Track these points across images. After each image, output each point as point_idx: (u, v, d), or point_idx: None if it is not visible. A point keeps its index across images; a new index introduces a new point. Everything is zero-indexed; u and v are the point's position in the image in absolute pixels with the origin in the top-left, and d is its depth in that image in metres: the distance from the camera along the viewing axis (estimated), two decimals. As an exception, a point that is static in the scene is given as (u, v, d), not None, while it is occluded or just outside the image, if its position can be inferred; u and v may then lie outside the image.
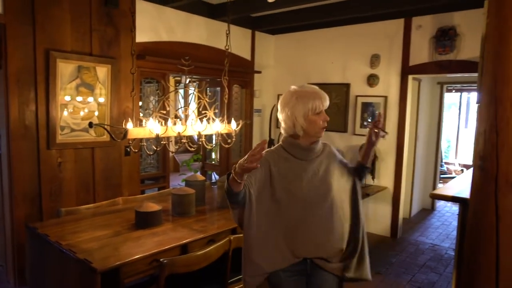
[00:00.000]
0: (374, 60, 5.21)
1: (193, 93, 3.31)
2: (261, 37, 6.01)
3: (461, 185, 2.77)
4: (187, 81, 6.01)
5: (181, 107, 3.09)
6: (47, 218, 3.46)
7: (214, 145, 3.35)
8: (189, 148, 3.08)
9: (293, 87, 1.88)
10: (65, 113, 3.66)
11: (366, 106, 5.29)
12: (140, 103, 4.56)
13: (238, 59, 5.52)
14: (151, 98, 4.68)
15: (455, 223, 5.76)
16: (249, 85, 5.86)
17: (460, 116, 9.89)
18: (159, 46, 4.50)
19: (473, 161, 0.94)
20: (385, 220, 5.23)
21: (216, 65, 4.81)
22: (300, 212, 1.81)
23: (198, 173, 5.63)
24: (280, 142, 1.94)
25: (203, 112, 3.20)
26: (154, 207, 2.73)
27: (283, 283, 1.85)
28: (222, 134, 3.17)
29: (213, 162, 6.37)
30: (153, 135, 2.69)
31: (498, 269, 0.89)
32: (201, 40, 5.03)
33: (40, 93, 3.50)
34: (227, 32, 3.44)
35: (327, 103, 1.85)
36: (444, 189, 2.90)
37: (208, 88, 6.21)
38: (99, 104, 3.91)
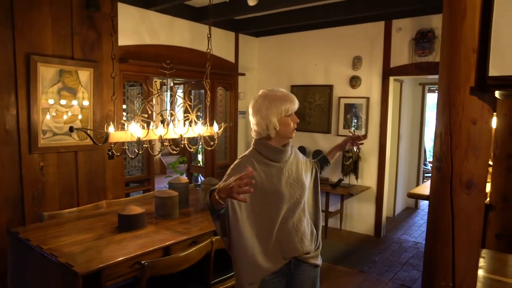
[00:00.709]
0: (356, 62, 5.30)
1: (177, 96, 3.34)
2: (245, 40, 6.06)
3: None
4: (172, 84, 6.02)
5: (165, 110, 3.11)
6: (29, 223, 3.44)
7: (198, 147, 3.36)
8: (171, 151, 3.10)
9: (262, 91, 1.92)
10: (48, 117, 3.64)
11: (349, 107, 5.37)
12: (124, 106, 4.56)
13: (222, 61, 5.56)
14: (135, 101, 4.68)
15: (437, 221, 5.84)
16: (233, 87, 5.89)
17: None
18: (142, 50, 4.50)
19: (432, 162, 0.99)
20: (369, 219, 5.31)
21: (200, 68, 4.83)
22: (285, 213, 1.87)
23: (184, 176, 5.64)
24: (253, 146, 1.96)
25: (185, 115, 3.23)
26: (137, 210, 2.74)
27: (268, 287, 1.88)
28: (204, 137, 3.19)
29: (199, 164, 6.38)
30: (135, 139, 2.71)
31: (454, 265, 0.94)
32: (185, 43, 5.04)
33: (21, 97, 3.47)
34: (209, 35, 3.47)
35: (296, 105, 1.90)
36: (422, 188, 2.97)
37: (193, 91, 6.24)
38: (82, 107, 3.90)
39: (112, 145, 2.83)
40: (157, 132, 2.82)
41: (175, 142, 3.04)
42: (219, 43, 5.44)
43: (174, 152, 2.98)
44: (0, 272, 3.44)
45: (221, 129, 3.26)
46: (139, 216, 2.73)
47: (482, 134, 0.92)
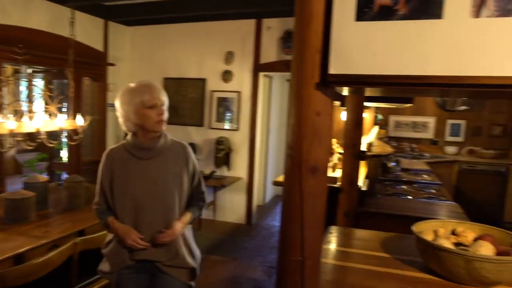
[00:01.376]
0: (229, 56, 5.44)
1: (34, 85, 2.99)
2: (116, 28, 5.70)
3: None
4: (30, 72, 5.33)
5: (18, 100, 2.76)
6: None
7: (60, 143, 3.07)
8: (27, 147, 2.77)
9: (130, 84, 1.87)
10: None
11: (221, 100, 5.50)
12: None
13: (88, 49, 5.14)
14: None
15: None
16: (102, 78, 5.50)
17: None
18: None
19: (285, 151, 1.10)
20: (240, 208, 5.54)
21: (63, 55, 4.38)
22: (138, 212, 1.82)
23: (44, 175, 5.08)
24: (126, 138, 1.92)
25: (46, 106, 2.92)
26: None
27: (124, 282, 1.89)
28: (68, 131, 2.94)
29: (62, 161, 5.81)
30: (-23, 133, 2.35)
31: (303, 241, 1.07)
32: (43, 26, 4.50)
33: None
34: (71, 19, 3.19)
35: (160, 97, 1.82)
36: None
37: (54, 81, 5.63)
38: None
39: None
40: (7, 125, 2.49)
41: (31, 136, 2.73)
42: (85, 29, 5.01)
43: (30, 147, 2.68)
44: None
45: (86, 122, 3.04)
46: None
47: (325, 125, 1.05)
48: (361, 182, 2.90)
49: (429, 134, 6.64)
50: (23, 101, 2.78)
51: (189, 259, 1.93)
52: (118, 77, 5.79)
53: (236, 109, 5.44)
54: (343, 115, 2.61)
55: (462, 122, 6.45)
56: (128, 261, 1.85)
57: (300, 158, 1.04)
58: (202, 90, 5.59)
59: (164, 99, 1.85)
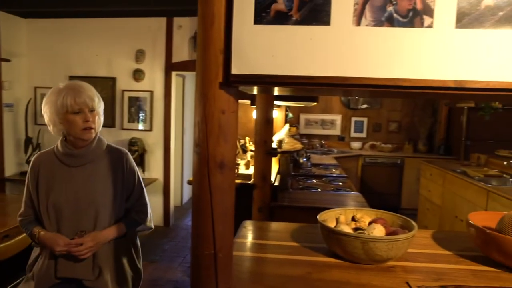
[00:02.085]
0: (139, 55, 5.28)
1: None
2: (8, 19, 5.17)
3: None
4: None
5: None
6: None
7: None
8: None
9: (60, 83, 1.72)
10: None
11: (133, 100, 5.32)
12: None
13: (-25, 43, 4.62)
14: None
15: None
16: (-6, 75, 4.98)
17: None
18: None
19: (193, 148, 1.12)
20: (157, 210, 5.42)
21: None
22: (61, 224, 1.68)
23: None
24: (57, 143, 1.77)
25: None
26: None
27: None
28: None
29: None
30: None
31: (214, 234, 1.11)
32: None
33: None
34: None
35: (88, 101, 1.66)
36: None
37: None
38: None
39: None
40: None
41: None
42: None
43: None
44: None
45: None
46: None
47: (230, 122, 1.10)
48: (274, 178, 3.04)
49: (336, 131, 7.13)
50: None
51: (112, 285, 1.72)
52: (14, 74, 5.29)
53: (148, 109, 5.30)
54: (254, 114, 2.70)
55: (364, 120, 7.04)
56: (54, 279, 1.68)
57: (207, 155, 1.07)
58: (112, 90, 5.34)
59: (94, 103, 1.69)
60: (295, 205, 2.80)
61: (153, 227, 1.96)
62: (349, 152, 6.63)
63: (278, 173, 3.30)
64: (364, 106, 7.01)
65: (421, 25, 1.04)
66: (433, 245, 1.66)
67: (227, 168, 1.10)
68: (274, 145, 2.88)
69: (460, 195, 4.16)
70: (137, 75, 5.30)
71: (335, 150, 6.70)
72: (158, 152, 5.34)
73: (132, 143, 5.11)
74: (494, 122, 5.35)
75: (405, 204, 6.24)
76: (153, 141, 5.31)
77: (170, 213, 5.45)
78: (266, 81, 1.08)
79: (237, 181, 3.17)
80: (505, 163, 4.15)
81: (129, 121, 5.35)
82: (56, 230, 1.67)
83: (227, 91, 1.10)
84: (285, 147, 3.14)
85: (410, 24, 1.05)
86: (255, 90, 1.46)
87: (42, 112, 1.71)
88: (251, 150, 3.90)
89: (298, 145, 3.49)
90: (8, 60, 5.10)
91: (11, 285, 2.43)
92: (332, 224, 1.55)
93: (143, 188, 1.90)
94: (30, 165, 1.76)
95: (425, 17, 1.03)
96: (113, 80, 5.36)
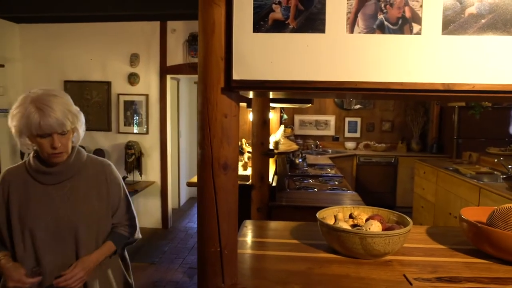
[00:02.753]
0: (134, 59, 5.32)
1: None
2: (1, 25, 5.18)
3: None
4: None
5: None
6: None
7: None
8: None
9: (31, 91, 1.49)
10: None
11: (128, 104, 5.36)
12: None
13: (-31, 49, 4.63)
14: None
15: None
16: (-11, 81, 4.99)
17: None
18: None
19: (197, 151, 1.18)
20: (155, 213, 5.46)
21: None
22: (38, 250, 1.50)
23: None
24: (29, 157, 1.57)
25: None
26: None
27: None
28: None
29: None
30: None
31: (219, 232, 1.16)
32: None
33: None
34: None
35: (54, 125, 1.42)
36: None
37: None
38: None
39: None
40: None
41: None
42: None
43: None
44: None
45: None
46: None
47: (232, 125, 1.16)
48: (271, 178, 3.10)
49: (330, 131, 7.21)
50: None
51: None
52: (8, 80, 5.30)
53: (144, 113, 5.34)
54: (250, 116, 2.76)
55: (358, 120, 7.12)
56: None
57: (211, 157, 1.13)
58: (107, 94, 5.37)
59: (65, 126, 1.46)
60: (293, 205, 2.86)
61: (140, 237, 1.78)
62: (343, 152, 6.71)
63: (275, 173, 3.36)
64: (358, 106, 7.10)
65: (410, 32, 1.10)
66: (427, 240, 1.73)
67: (230, 169, 1.16)
68: (271, 146, 2.94)
69: (453, 192, 4.25)
70: (132, 79, 5.34)
71: (329, 150, 6.78)
72: (154, 155, 5.38)
73: (129, 146, 5.15)
74: (485, 120, 5.48)
75: (400, 202, 6.34)
76: (150, 144, 5.35)
77: (168, 216, 5.48)
78: (266, 86, 1.14)
79: (235, 182, 3.22)
80: (496, 160, 4.25)
81: (125, 125, 5.38)
82: (34, 259, 1.50)
83: (229, 95, 1.16)
84: (282, 148, 3.20)
85: (399, 31, 1.11)
86: (251, 94, 1.51)
87: (9, 124, 1.49)
88: (248, 152, 3.96)
89: (294, 146, 3.55)
90: (2, 66, 5.11)
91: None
92: (331, 222, 1.61)
93: (129, 201, 1.75)
94: None
95: (413, 24, 1.10)
96: (108, 84, 5.39)
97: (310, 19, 1.13)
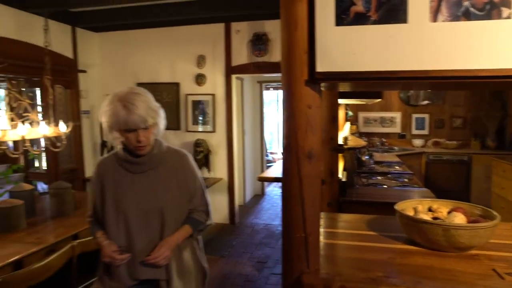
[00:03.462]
0: (201, 60, 5.54)
1: (10, 94, 2.99)
2: (84, 34, 5.68)
3: (280, 168, 3.30)
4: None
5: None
6: None
7: (40, 150, 3.09)
8: (11, 155, 2.79)
9: (118, 91, 1.66)
10: None
11: (196, 103, 5.60)
12: None
13: (58, 56, 5.09)
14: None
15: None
16: (74, 85, 5.47)
17: (279, 111, 11.24)
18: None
19: (282, 140, 1.24)
20: (223, 208, 5.65)
21: (30, 63, 4.36)
22: (130, 230, 1.69)
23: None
24: (118, 149, 1.76)
25: (24, 115, 2.94)
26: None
27: None
28: (50, 138, 2.97)
29: (38, 171, 5.73)
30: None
31: (304, 219, 1.21)
32: (8, 33, 4.42)
33: None
34: (45, 27, 3.21)
35: (138, 121, 1.59)
36: (268, 172, 3.38)
37: (23, 89, 5.54)
38: None
39: None
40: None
41: (15, 145, 2.73)
42: (54, 36, 4.93)
43: (15, 155, 2.70)
44: None
45: (69, 128, 3.08)
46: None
47: (316, 116, 1.20)
48: (341, 174, 3.09)
49: (396, 129, 6.98)
50: (3, 110, 2.79)
51: (179, 282, 1.75)
52: (90, 84, 5.78)
53: (211, 112, 5.54)
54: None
55: (425, 116, 6.82)
56: (130, 281, 1.71)
57: (296, 146, 1.19)
58: (176, 94, 5.65)
59: (147, 122, 1.62)
60: (364, 200, 2.84)
61: (213, 223, 1.93)
62: (411, 149, 6.46)
63: (344, 169, 3.35)
64: (425, 102, 6.79)
65: (499, 16, 1.08)
66: (515, 237, 1.65)
67: (314, 158, 1.20)
68: (340, 142, 2.94)
69: (537, 191, 3.95)
70: (199, 79, 5.56)
71: (396, 148, 6.56)
72: (221, 152, 5.57)
73: (197, 144, 5.38)
74: None
75: (475, 201, 5.86)
76: (217, 142, 5.55)
77: (235, 212, 5.65)
78: (349, 77, 1.17)
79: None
80: None
81: (193, 124, 5.63)
82: (127, 239, 1.69)
83: (312, 87, 1.20)
84: (350, 144, 3.18)
85: (487, 16, 1.09)
86: (322, 86, 1.54)
87: (100, 120, 1.69)
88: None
89: (362, 142, 3.51)
90: (84, 71, 5.59)
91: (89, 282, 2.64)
92: (410, 214, 1.59)
93: (204, 188, 1.89)
94: (95, 170, 1.78)
95: (503, 8, 1.08)
96: (177, 85, 5.67)
97: (392, 10, 1.15)
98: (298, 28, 1.22)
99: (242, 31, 5.37)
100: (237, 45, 5.40)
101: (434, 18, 1.12)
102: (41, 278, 2.07)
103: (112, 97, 1.65)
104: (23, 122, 2.79)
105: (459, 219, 1.46)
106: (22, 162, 5.84)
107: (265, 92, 7.74)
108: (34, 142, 2.94)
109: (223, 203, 5.64)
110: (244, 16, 5.20)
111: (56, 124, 3.04)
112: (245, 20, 5.31)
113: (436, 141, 6.64)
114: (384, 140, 6.79)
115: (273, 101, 11.11)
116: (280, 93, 11.14)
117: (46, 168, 5.28)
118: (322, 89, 1.64)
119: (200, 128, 5.61)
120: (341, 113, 5.14)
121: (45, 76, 3.24)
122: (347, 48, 1.17)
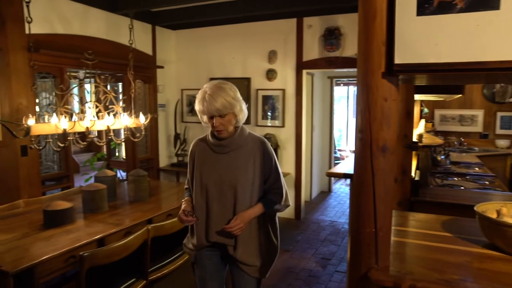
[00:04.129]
0: (272, 55, 5.59)
1: (98, 88, 3.27)
2: (162, 32, 6.01)
3: (350, 164, 3.23)
4: (82, 77, 5.74)
5: (88, 102, 3.04)
6: None
7: (123, 140, 3.34)
8: (98, 143, 3.05)
9: (212, 81, 1.94)
10: None
11: (266, 98, 5.67)
12: (37, 100, 4.29)
13: (139, 54, 5.46)
14: (48, 94, 4.42)
15: (348, 201, 6.47)
16: (152, 80, 5.83)
17: (349, 107, 10.97)
18: (54, 39, 4.26)
19: (355, 134, 1.22)
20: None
21: (116, 60, 4.73)
22: (209, 199, 1.98)
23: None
24: (208, 132, 2.08)
25: (110, 107, 3.19)
26: (64, 204, 2.67)
27: (201, 258, 2.09)
28: (130, 128, 3.20)
29: (118, 159, 6.21)
30: (60, 131, 2.63)
31: (375, 214, 1.19)
32: (99, 34, 4.86)
33: None
34: (130, 26, 3.45)
35: (213, 110, 1.86)
36: (337, 168, 3.34)
37: (109, 84, 6.02)
38: (-13, 101, 3.60)
39: (32, 139, 2.71)
40: (83, 123, 2.77)
41: (81, 136, 2.96)
42: (136, 35, 5.31)
43: (101, 143, 2.95)
44: None
45: (147, 120, 3.29)
46: (67, 211, 2.67)
47: (392, 109, 1.16)
48: (413, 173, 2.95)
49: (477, 128, 6.47)
50: (92, 102, 3.06)
51: (249, 258, 1.99)
52: (166, 79, 6.11)
53: (281, 107, 5.58)
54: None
55: (513, 114, 6.25)
56: (205, 242, 2.02)
57: (370, 139, 1.17)
58: (247, 89, 5.77)
59: (226, 109, 1.87)
60: (439, 201, 2.68)
61: (290, 204, 2.12)
62: (494, 150, 5.96)
63: (417, 168, 3.19)
64: (513, 99, 6.22)
65: None
66: None
67: (389, 152, 1.17)
68: (414, 139, 2.80)
69: None
70: (270, 74, 5.62)
71: (476, 148, 6.09)
72: (290, 147, 5.59)
73: (266, 138, 5.43)
74: None
75: None
76: (285, 137, 5.58)
77: (301, 207, 5.65)
78: (430, 69, 1.12)
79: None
80: None
81: (262, 118, 5.71)
82: (205, 208, 2.00)
83: (389, 80, 1.17)
84: (425, 141, 3.02)
85: None
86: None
87: (195, 106, 2.00)
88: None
89: (438, 140, 3.31)
90: (161, 67, 5.92)
91: (174, 256, 2.84)
92: (492, 216, 1.49)
93: (279, 172, 2.06)
94: (190, 148, 2.12)
95: None
96: (248, 80, 5.78)
97: (482, -4, 1.07)
98: (377, 19, 1.19)
99: (314, 25, 5.32)
100: (309, 40, 5.37)
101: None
102: (120, 256, 2.25)
103: (204, 87, 1.93)
104: (108, 113, 3.04)
105: (550, 225, 1.33)
106: (104, 151, 6.35)
107: (335, 88, 7.60)
108: (115, 132, 3.18)
109: (290, 197, 5.64)
110: (316, 10, 5.14)
111: (137, 116, 3.26)
112: (317, 15, 5.26)
113: (525, 142, 6.06)
114: (462, 139, 6.34)
115: (343, 97, 10.88)
116: (350, 89, 10.88)
117: (125, 157, 5.70)
118: (399, 82, 1.59)
119: (269, 123, 5.68)
120: (416, 110, 4.89)
121: (129, 72, 3.48)
122: (429, 38, 1.12)
